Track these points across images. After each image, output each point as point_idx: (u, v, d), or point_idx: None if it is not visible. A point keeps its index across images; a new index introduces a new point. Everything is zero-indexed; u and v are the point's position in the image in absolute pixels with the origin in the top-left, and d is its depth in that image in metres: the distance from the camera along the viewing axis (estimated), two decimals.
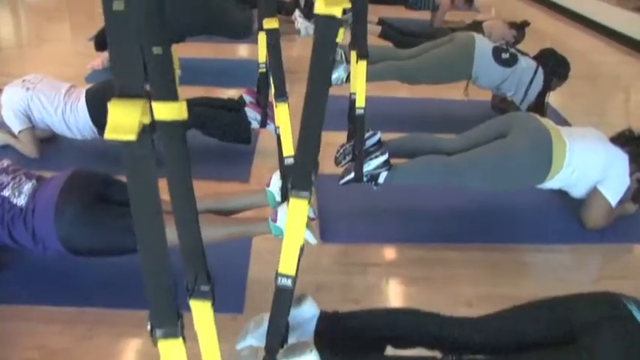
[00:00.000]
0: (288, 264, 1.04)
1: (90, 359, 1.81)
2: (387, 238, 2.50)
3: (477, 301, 2.11)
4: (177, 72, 0.85)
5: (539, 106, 3.43)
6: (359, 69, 2.12)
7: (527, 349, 1.46)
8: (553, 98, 3.64)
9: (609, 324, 1.43)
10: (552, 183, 2.52)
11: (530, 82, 3.43)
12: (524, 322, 1.53)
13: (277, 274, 1.05)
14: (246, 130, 3.00)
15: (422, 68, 3.44)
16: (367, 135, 2.34)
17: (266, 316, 1.18)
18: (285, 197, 2.00)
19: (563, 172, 2.46)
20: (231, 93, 3.28)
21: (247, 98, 3.00)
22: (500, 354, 1.49)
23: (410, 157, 2.45)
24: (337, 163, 2.37)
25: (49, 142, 3.11)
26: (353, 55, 2.18)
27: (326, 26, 0.86)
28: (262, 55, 2.73)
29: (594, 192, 2.54)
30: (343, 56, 3.35)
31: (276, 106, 1.86)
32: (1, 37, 5.65)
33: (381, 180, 2.29)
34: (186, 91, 3.43)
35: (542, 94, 3.43)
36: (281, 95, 1.83)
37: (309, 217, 1.68)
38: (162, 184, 0.80)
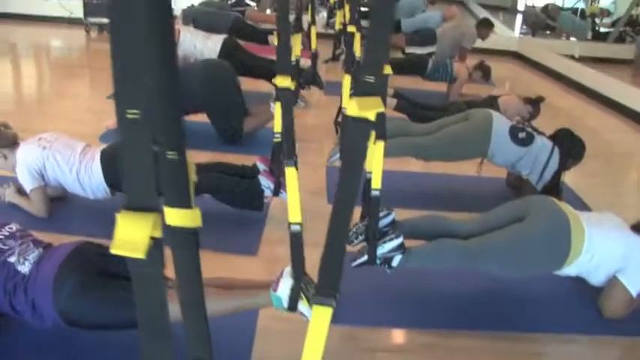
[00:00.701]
0: None
1: None
2: (397, 322, 2.41)
3: None
4: (193, 177, 0.82)
5: (555, 186, 3.39)
6: (377, 150, 2.09)
7: None
8: (568, 177, 3.60)
9: None
10: (570, 269, 2.45)
11: (547, 161, 3.40)
12: None
13: None
14: (258, 197, 2.97)
15: (438, 146, 3.42)
16: (381, 214, 2.29)
17: None
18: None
19: (581, 258, 2.38)
20: (243, 159, 3.27)
21: (261, 166, 2.99)
22: None
23: (424, 239, 2.40)
24: (349, 242, 2.31)
25: (59, 200, 3.08)
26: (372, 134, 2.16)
27: (359, 130, 0.83)
28: (278, 125, 2.74)
29: (614, 281, 2.45)
30: None
31: (285, 170, 1.83)
32: (24, 91, 5.77)
33: (394, 264, 2.23)
34: (199, 156, 3.48)
35: (557, 174, 3.39)
36: (290, 158, 1.80)
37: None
38: None
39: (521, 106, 4.44)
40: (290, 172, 1.78)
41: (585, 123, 5.84)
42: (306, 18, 5.35)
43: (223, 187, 2.97)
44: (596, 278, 2.50)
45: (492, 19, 7.47)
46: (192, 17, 5.72)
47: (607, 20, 11.15)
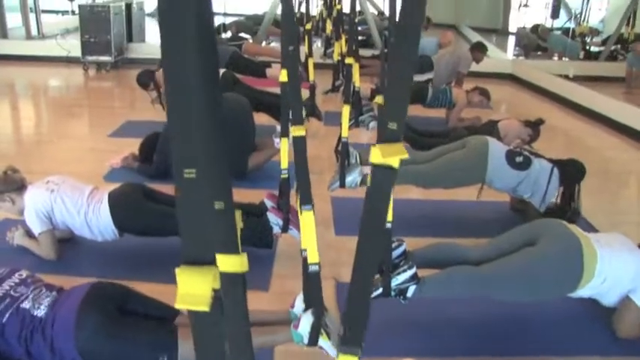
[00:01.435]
0: None
1: None
2: (410, 352, 2.39)
3: None
4: (240, 224, 0.84)
5: (560, 209, 3.41)
6: None
7: None
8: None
9: None
10: (583, 291, 2.45)
11: (548, 183, 3.43)
12: None
13: None
14: (268, 235, 2.96)
15: (436, 173, 3.45)
16: (393, 245, 2.30)
17: None
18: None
19: (594, 281, 2.39)
20: (248, 193, 3.27)
21: (269, 203, 2.97)
22: None
23: (436, 267, 2.40)
24: None
25: (67, 242, 3.08)
26: None
27: (382, 176, 0.84)
28: (284, 161, 2.75)
29: (627, 301, 2.46)
30: (358, 159, 3.37)
31: (300, 214, 1.84)
32: (24, 132, 5.79)
33: (409, 294, 2.23)
34: None
35: (565, 197, 3.42)
36: (306, 203, 1.81)
37: None
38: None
39: (521, 130, 4.48)
40: (307, 217, 1.79)
41: (585, 141, 5.87)
42: (302, 49, 5.40)
43: None
44: (609, 299, 2.51)
45: (485, 42, 7.58)
46: None
47: (597, 39, 11.31)
